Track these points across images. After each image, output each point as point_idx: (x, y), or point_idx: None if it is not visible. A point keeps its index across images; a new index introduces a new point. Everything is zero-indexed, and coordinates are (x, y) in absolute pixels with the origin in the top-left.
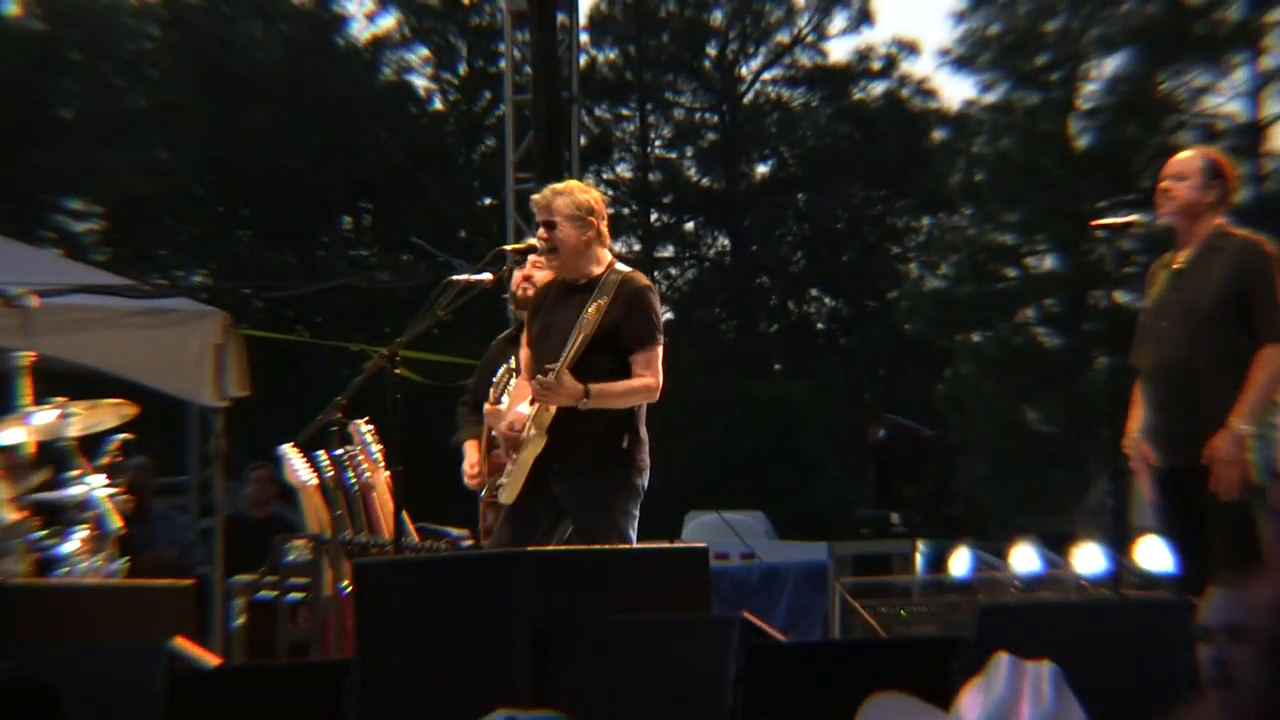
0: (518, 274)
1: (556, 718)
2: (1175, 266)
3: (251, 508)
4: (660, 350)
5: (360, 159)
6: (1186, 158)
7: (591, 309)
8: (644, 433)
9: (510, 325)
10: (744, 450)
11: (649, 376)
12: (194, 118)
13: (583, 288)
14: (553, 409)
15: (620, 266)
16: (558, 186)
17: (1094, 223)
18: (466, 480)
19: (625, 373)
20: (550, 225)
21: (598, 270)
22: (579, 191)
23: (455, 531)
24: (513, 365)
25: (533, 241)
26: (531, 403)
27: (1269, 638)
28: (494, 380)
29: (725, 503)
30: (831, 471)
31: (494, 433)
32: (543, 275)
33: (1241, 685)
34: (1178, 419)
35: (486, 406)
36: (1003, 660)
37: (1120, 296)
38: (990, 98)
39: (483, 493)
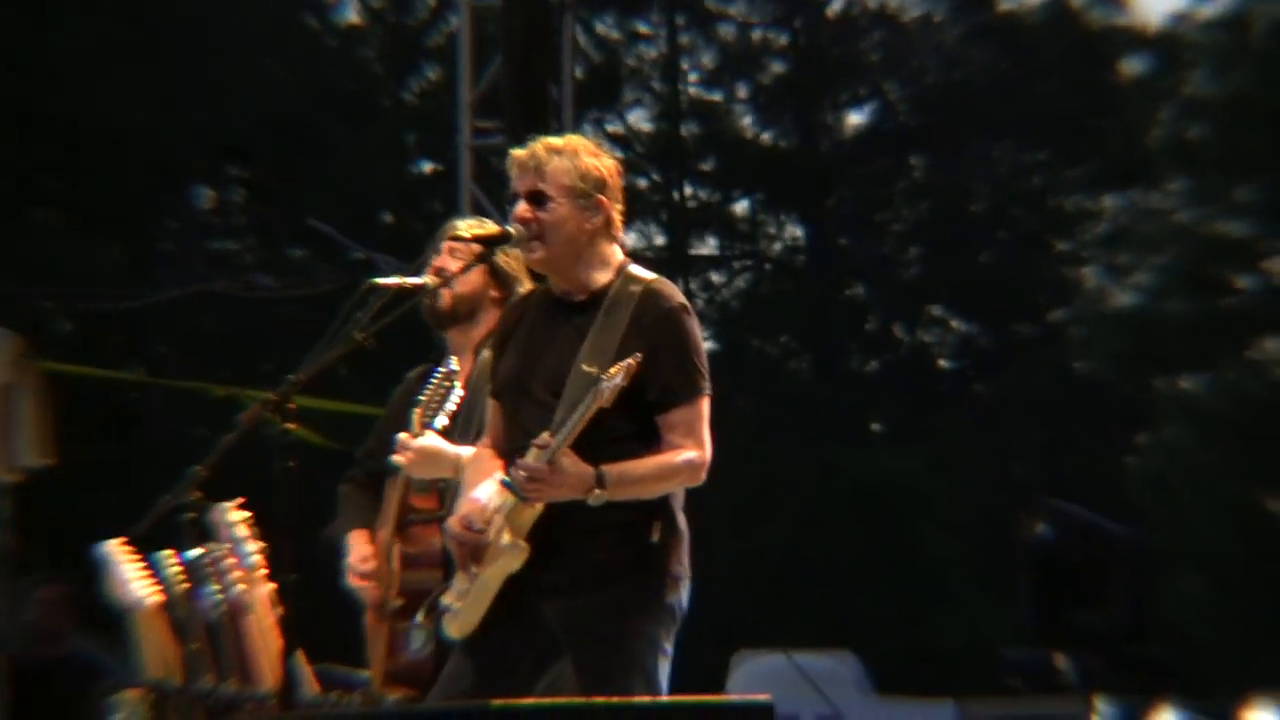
0: (432, 266)
1: None
2: None
3: (38, 644)
4: (706, 405)
5: (229, 103)
6: None
7: (619, 374)
8: (682, 522)
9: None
10: (826, 554)
11: (691, 447)
12: None
13: (581, 307)
14: (539, 506)
15: (637, 271)
16: (553, 142)
17: None
18: (351, 579)
19: (650, 437)
20: (538, 199)
21: (604, 278)
22: (585, 154)
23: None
24: (454, 368)
25: (493, 227)
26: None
27: None
28: (419, 397)
29: (796, 637)
30: (962, 588)
31: (414, 501)
32: (470, 280)
33: None
34: None
35: (402, 438)
36: None
37: None
38: (1210, 9)
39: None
